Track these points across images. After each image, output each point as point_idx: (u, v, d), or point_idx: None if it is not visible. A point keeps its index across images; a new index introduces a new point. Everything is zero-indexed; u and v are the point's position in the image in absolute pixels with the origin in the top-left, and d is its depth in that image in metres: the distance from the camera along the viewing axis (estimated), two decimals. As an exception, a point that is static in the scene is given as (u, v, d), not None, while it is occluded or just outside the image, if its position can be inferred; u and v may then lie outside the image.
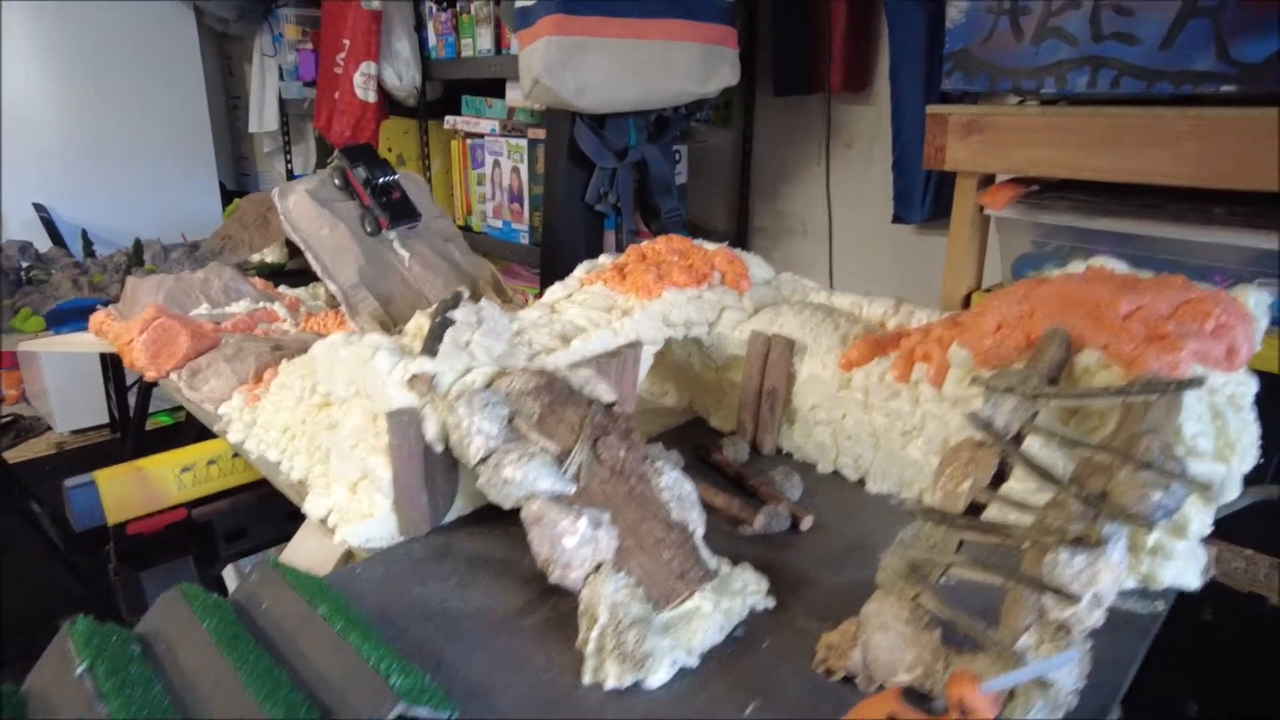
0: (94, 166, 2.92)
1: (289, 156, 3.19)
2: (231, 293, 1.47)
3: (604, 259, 1.13)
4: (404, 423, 0.72)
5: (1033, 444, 0.69)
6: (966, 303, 1.35)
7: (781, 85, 1.90)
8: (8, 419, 3.09)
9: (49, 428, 3.11)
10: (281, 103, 3.04)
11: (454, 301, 0.90)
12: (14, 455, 2.86)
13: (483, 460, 0.68)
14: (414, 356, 0.77)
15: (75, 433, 3.06)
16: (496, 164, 2.13)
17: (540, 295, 1.82)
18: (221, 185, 3.27)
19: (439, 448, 0.74)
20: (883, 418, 0.86)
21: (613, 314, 0.97)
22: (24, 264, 1.82)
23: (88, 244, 2.03)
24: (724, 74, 1.59)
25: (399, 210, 1.46)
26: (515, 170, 2.07)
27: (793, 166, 2.03)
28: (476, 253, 1.61)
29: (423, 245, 1.51)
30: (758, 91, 2.01)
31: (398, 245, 1.48)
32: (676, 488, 0.71)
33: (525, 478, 0.65)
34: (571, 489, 0.66)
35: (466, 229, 2.29)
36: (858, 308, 1.03)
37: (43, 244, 2.80)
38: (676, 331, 0.99)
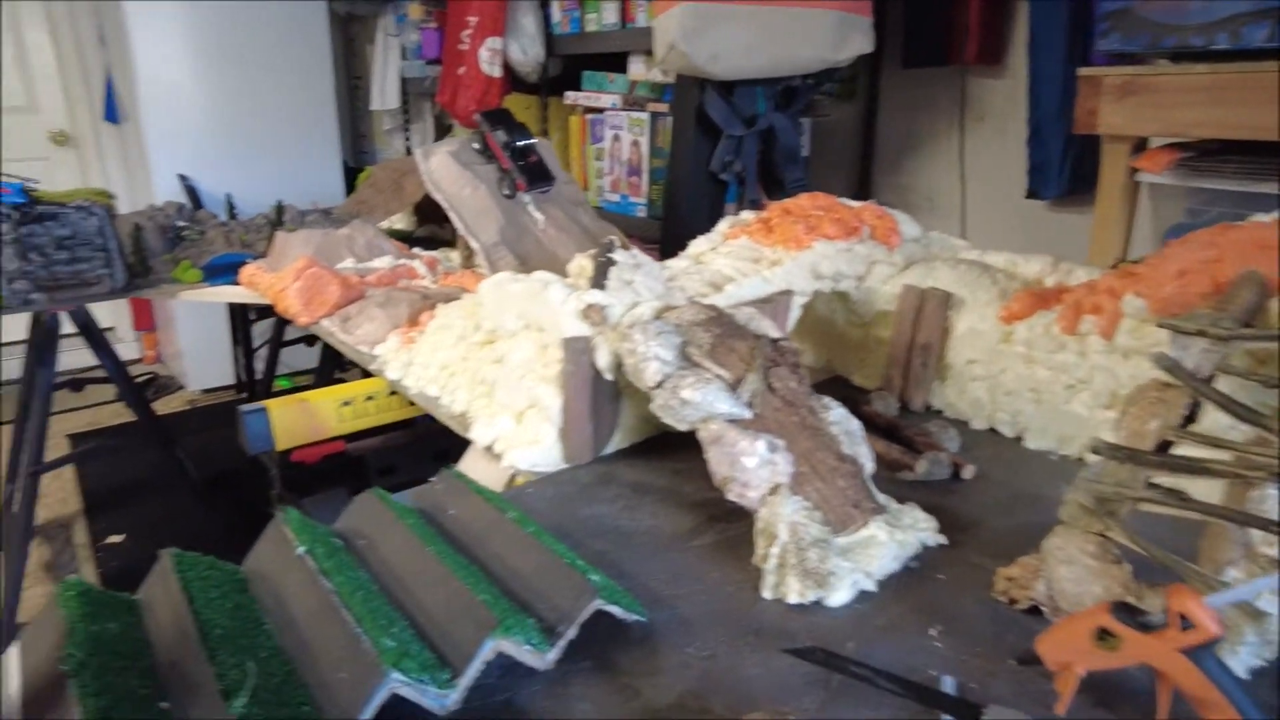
0: (231, 142, 3.09)
1: (408, 134, 3.30)
2: (375, 249, 1.54)
3: (746, 214, 1.14)
4: (578, 349, 0.75)
5: (1224, 387, 0.66)
6: (1113, 273, 1.30)
7: (911, 57, 1.87)
8: (147, 376, 3.31)
9: (181, 386, 3.32)
10: (402, 81, 3.15)
11: (610, 246, 0.93)
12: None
13: (659, 385, 0.70)
14: (584, 290, 0.80)
15: (205, 391, 3.25)
16: (616, 138, 2.16)
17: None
18: (343, 163, 3.42)
19: (609, 375, 0.76)
20: (1046, 371, 0.84)
21: (761, 265, 0.98)
22: (179, 223, 1.94)
23: (231, 207, 2.15)
24: (857, 41, 1.58)
25: (535, 174, 1.50)
26: (635, 144, 2.09)
27: (919, 140, 1.99)
28: (603, 219, 1.64)
29: (555, 209, 1.55)
30: (884, 64, 1.98)
31: (532, 208, 1.52)
32: (845, 423, 0.71)
33: (704, 400, 0.67)
34: (747, 414, 0.68)
35: (581, 203, 2.32)
36: (1013, 265, 1.01)
37: (183, 212, 2.99)
38: (825, 284, 0.99)
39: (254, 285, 1.55)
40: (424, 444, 1.18)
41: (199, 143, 3.02)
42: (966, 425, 0.92)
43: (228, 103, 3.07)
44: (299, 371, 2.96)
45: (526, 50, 2.28)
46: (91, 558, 2.15)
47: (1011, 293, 0.91)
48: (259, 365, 2.77)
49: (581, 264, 0.90)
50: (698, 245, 1.06)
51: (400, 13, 3.02)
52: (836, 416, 0.71)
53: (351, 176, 3.41)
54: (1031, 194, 1.72)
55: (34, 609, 1.83)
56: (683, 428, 0.69)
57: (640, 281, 0.84)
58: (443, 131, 3.29)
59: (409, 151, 3.34)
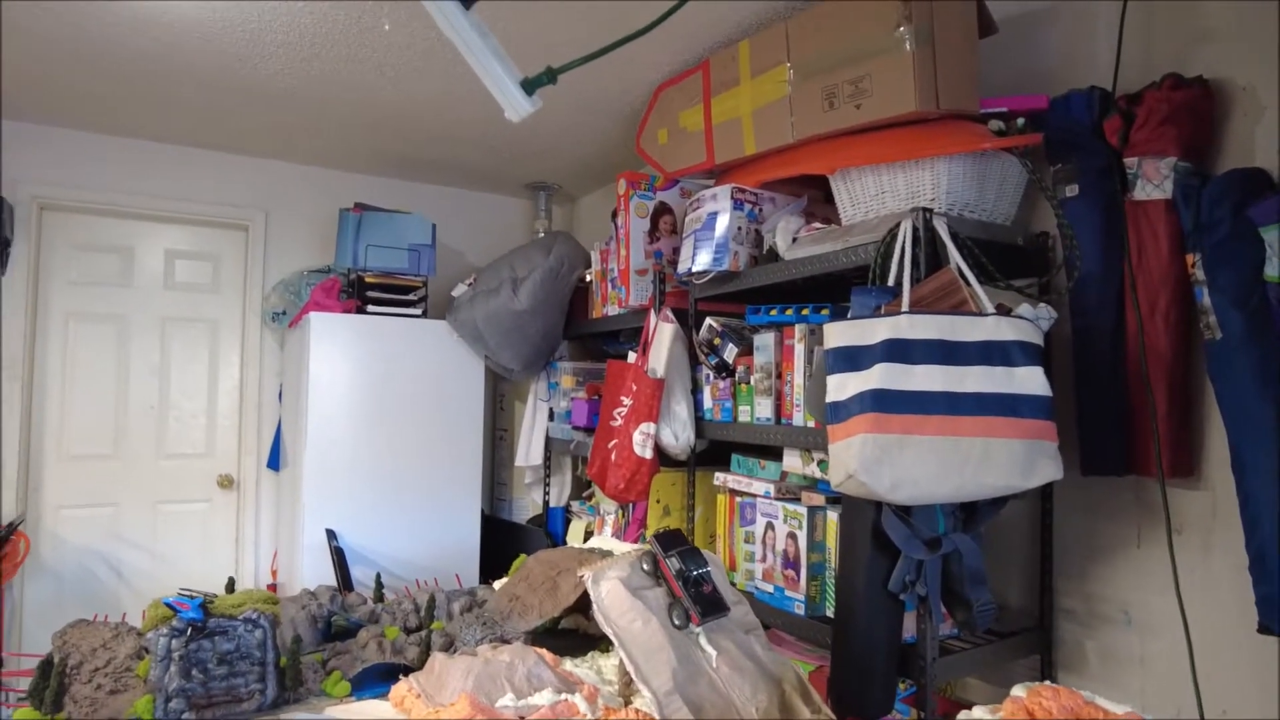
0: (379, 495, 3.21)
1: (547, 488, 3.38)
2: (534, 680, 1.45)
3: (978, 713, 1.00)
4: None
5: None
6: None
7: (1090, 466, 1.78)
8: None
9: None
10: (547, 440, 3.29)
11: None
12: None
13: None
14: None
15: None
16: (770, 526, 2.10)
17: (830, 687, 1.67)
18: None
19: None
20: None
21: (1024, 812, 0.82)
22: (331, 611, 1.93)
23: (379, 588, 2.14)
24: (1047, 468, 1.51)
25: (710, 605, 1.42)
26: (792, 536, 2.02)
27: (1105, 546, 1.84)
28: (775, 648, 1.52)
29: (727, 640, 1.44)
30: (1057, 466, 1.89)
31: (704, 641, 1.42)
32: None
33: None
34: None
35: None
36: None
37: (325, 564, 3.05)
38: (1105, 841, 0.81)
39: (406, 712, 1.46)
40: None
41: (349, 494, 3.16)
42: None
43: (382, 458, 3.23)
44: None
45: (678, 435, 2.34)
46: None
47: None
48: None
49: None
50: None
51: (552, 380, 3.22)
52: None
53: (488, 526, 3.46)
54: (1265, 629, 1.51)
55: None
56: None
57: None
58: (580, 488, 3.35)
59: (546, 504, 3.39)
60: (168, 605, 1.51)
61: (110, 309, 3.47)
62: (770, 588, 2.09)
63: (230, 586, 2.09)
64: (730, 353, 2.25)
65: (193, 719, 1.49)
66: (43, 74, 2.73)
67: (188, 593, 1.53)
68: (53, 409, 3.35)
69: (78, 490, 3.39)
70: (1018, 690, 1.06)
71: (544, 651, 1.61)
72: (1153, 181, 1.66)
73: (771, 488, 2.12)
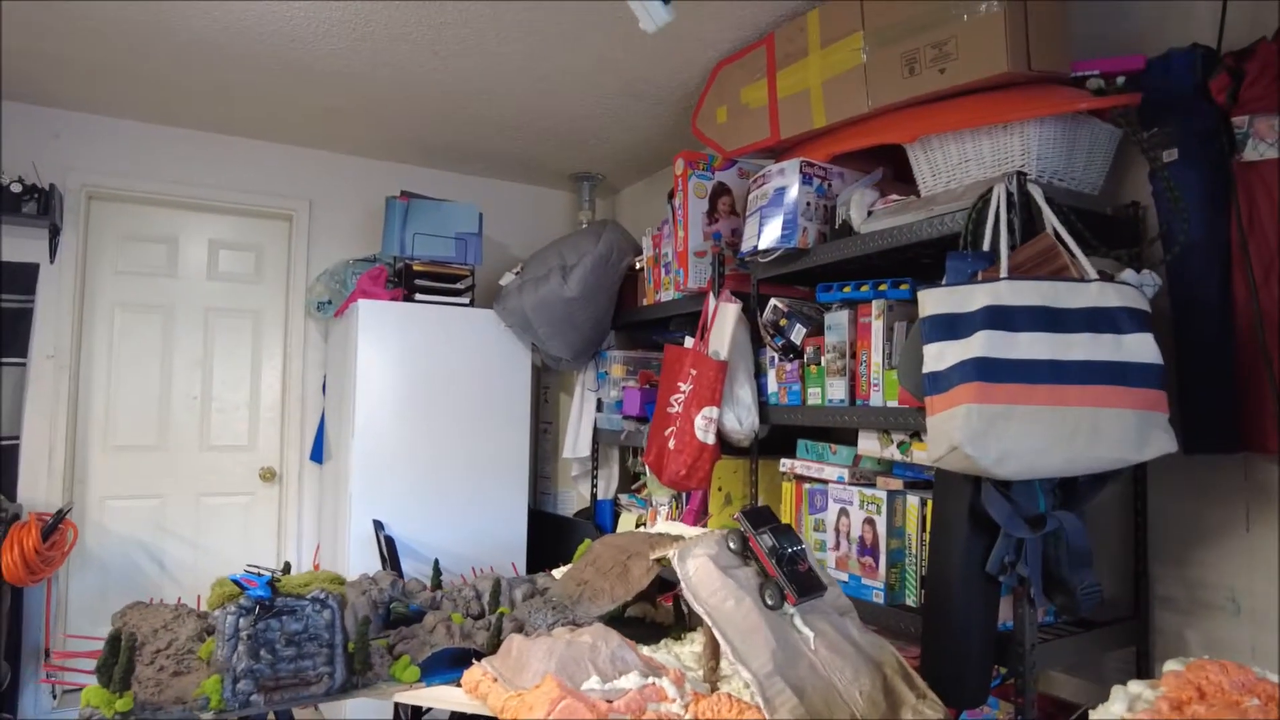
0: (425, 482, 3.16)
1: (595, 480, 3.31)
2: (619, 663, 1.37)
3: (1136, 688, 0.91)
4: None
5: None
6: None
7: (1195, 443, 1.68)
8: (303, 728, 3.13)
9: (336, 742, 3.10)
10: (595, 431, 3.22)
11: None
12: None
13: None
14: None
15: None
16: (843, 513, 2.01)
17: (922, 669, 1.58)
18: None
19: None
20: None
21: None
22: (391, 596, 1.87)
23: (437, 574, 2.08)
24: (1160, 440, 1.41)
25: (807, 584, 1.34)
26: (869, 522, 1.93)
27: (1207, 528, 1.74)
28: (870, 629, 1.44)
29: (823, 622, 1.36)
30: (1154, 447, 1.79)
31: (799, 621, 1.34)
32: None
33: None
34: None
35: (795, 574, 2.13)
36: None
37: (372, 554, 3.00)
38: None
39: (481, 697, 1.39)
40: None
41: (395, 485, 3.10)
42: None
43: (428, 448, 3.18)
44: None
45: (742, 420, 2.25)
46: None
47: None
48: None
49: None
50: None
51: (602, 370, 3.15)
52: None
53: (533, 520, 3.39)
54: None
55: None
56: None
57: None
58: (628, 480, 3.27)
59: (594, 497, 3.32)
60: (235, 582, 1.45)
61: (155, 299, 3.45)
62: (845, 576, 2.00)
63: (287, 571, 2.03)
64: (798, 333, 2.17)
65: (261, 702, 1.43)
66: (94, 63, 2.71)
67: (255, 569, 1.47)
68: (98, 399, 3.32)
69: (123, 481, 3.36)
70: (1172, 664, 0.97)
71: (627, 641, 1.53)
72: (1267, 140, 1.56)
73: (845, 473, 2.04)
